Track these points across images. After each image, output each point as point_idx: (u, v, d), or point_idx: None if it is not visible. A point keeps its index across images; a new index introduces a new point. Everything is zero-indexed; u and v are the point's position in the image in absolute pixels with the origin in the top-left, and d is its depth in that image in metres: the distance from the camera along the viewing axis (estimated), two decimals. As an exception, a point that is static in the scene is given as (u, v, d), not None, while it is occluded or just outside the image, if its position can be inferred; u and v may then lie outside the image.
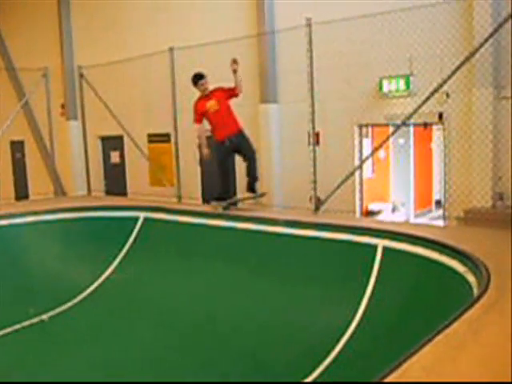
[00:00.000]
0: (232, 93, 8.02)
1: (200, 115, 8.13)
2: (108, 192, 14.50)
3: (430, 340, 2.94)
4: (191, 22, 12.65)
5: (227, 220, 7.95)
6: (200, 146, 8.40)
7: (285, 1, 11.10)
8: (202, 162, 12.81)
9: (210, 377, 5.51)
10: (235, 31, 11.21)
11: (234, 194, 8.72)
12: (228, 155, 8.27)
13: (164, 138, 13.31)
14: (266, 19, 11.39)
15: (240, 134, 8.08)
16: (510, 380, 2.49)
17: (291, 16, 9.96)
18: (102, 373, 5.74)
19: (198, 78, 8.06)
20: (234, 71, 7.76)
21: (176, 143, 10.56)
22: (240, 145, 8.06)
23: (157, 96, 12.46)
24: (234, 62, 7.70)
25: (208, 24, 12.29)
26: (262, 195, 8.57)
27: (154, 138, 13.99)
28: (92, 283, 8.28)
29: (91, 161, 12.91)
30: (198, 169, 13.05)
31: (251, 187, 8.25)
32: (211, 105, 8.02)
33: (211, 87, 8.14)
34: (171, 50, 10.23)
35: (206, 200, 11.67)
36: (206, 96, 8.08)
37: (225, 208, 8.21)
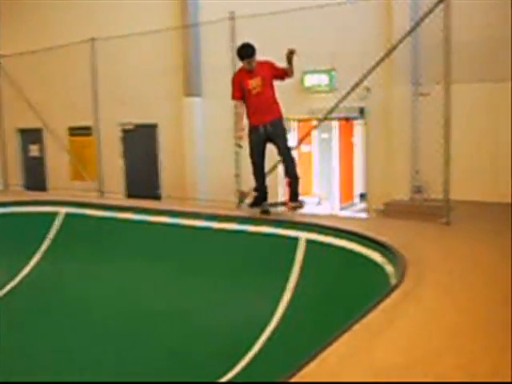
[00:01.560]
0: (281, 73, 6.74)
1: (239, 91, 6.72)
2: (27, 187, 13.96)
3: (347, 329, 2.98)
4: (115, 11, 12.32)
5: (151, 215, 7.83)
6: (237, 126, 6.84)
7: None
8: (125, 155, 12.58)
9: (134, 370, 5.46)
10: (159, 22, 11.00)
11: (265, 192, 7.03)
12: (260, 144, 6.75)
13: (86, 131, 12.91)
14: (190, 11, 11.27)
15: (278, 122, 6.74)
16: (425, 367, 2.56)
17: (216, 8, 9.89)
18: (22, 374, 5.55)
19: (249, 54, 6.60)
20: (289, 60, 6.56)
21: (98, 136, 10.28)
22: (275, 133, 6.67)
23: (79, 88, 12.08)
24: (291, 52, 6.50)
25: (132, 14, 12.01)
26: (300, 206, 6.97)
27: (75, 131, 13.56)
28: (7, 283, 7.94)
29: (9, 154, 12.38)
30: (121, 162, 12.78)
31: (293, 187, 6.94)
32: (255, 84, 6.63)
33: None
34: (92, 40, 9.94)
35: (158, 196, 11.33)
36: (249, 70, 6.64)
37: (263, 212, 6.98)
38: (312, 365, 2.60)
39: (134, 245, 7.72)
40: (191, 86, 11.37)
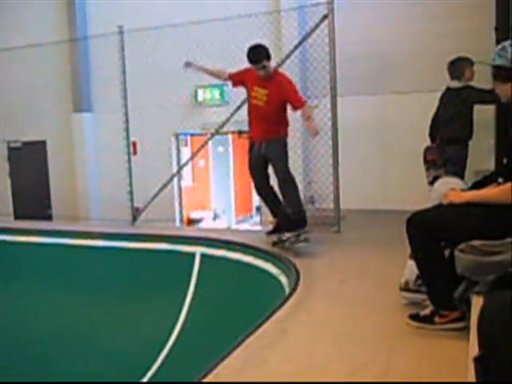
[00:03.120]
0: (293, 104, 5.50)
1: (238, 78, 5.84)
2: None
3: (240, 343, 2.98)
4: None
5: (37, 235, 7.51)
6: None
7: (98, 8, 10.79)
8: (11, 174, 11.95)
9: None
10: (45, 35, 10.59)
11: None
12: (257, 163, 5.76)
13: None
14: (78, 24, 10.96)
15: (274, 143, 5.60)
16: (314, 375, 2.60)
17: (106, 20, 9.69)
18: None
19: (254, 59, 5.54)
20: (308, 118, 5.37)
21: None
22: (269, 156, 5.65)
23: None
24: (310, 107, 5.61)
25: (16, 26, 11.48)
26: (303, 239, 5.50)
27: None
28: None
29: None
30: (8, 181, 12.15)
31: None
32: (260, 95, 5.60)
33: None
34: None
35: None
36: (262, 78, 5.57)
37: (276, 243, 5.58)
38: (205, 380, 2.60)
39: (25, 267, 7.38)
40: (81, 101, 11.03)
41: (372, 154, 8.50)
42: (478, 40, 6.51)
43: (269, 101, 5.53)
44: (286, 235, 5.42)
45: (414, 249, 3.18)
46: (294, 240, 5.38)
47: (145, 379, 5.24)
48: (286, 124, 5.73)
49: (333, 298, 4.01)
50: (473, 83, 6.17)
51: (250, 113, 5.81)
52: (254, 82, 5.60)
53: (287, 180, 5.51)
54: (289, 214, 5.43)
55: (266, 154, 5.64)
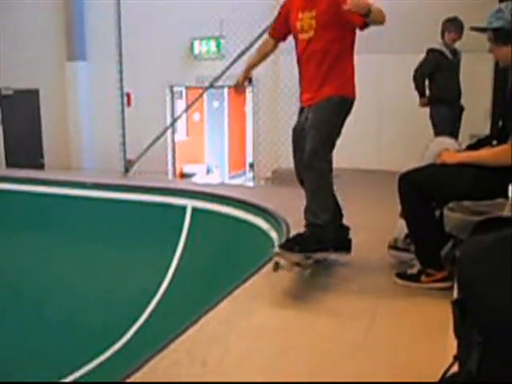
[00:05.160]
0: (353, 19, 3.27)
1: (281, 25, 3.79)
2: None
3: (228, 294, 3.01)
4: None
5: (32, 184, 7.46)
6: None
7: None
8: (3, 122, 11.82)
9: (28, 342, 5.34)
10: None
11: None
12: (299, 137, 3.62)
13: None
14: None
15: (325, 102, 3.44)
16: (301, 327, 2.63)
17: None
18: None
19: None
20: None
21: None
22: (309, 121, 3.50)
23: None
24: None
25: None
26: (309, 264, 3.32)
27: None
28: None
29: None
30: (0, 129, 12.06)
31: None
32: (306, 24, 3.52)
33: None
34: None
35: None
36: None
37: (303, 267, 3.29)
38: (194, 328, 2.66)
39: (16, 215, 7.37)
40: (75, 50, 10.84)
41: (367, 113, 8.42)
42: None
43: (317, 26, 3.43)
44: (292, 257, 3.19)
45: (405, 207, 3.19)
46: (304, 263, 3.21)
47: (133, 329, 5.29)
48: (349, 73, 3.55)
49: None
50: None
51: (298, 62, 3.66)
52: (298, 8, 3.55)
53: (314, 165, 3.30)
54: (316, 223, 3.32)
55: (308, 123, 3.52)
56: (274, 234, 4.77)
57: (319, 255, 3.37)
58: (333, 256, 3.61)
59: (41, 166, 11.11)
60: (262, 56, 3.96)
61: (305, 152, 3.35)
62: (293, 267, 3.19)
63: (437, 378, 1.36)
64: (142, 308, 5.47)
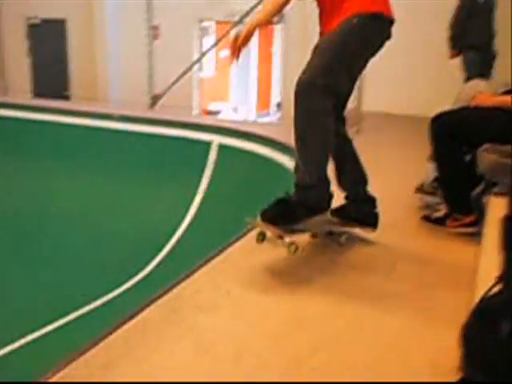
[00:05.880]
0: None
1: None
2: None
3: (245, 233, 3.01)
4: None
5: (58, 114, 7.48)
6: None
7: None
8: (30, 51, 11.76)
9: (44, 274, 5.35)
10: None
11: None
12: None
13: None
14: None
15: (336, 30, 2.56)
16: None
17: None
18: None
19: None
20: None
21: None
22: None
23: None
24: None
25: None
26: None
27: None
28: None
29: None
30: (28, 60, 12.00)
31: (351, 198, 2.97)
32: None
33: None
34: None
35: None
36: None
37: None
38: (219, 257, 2.73)
39: (42, 145, 7.43)
40: (103, -22, 10.64)
41: (400, 53, 8.19)
42: None
43: None
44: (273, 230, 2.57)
45: (436, 149, 3.13)
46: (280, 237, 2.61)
47: (155, 261, 5.35)
48: None
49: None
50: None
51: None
52: None
53: (305, 102, 2.46)
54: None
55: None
56: (299, 174, 4.74)
57: (307, 225, 2.62)
58: (356, 230, 2.95)
59: (67, 97, 11.11)
60: (279, 5, 2.72)
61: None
62: (276, 241, 2.62)
63: (462, 321, 1.35)
64: (163, 241, 5.53)
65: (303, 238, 2.79)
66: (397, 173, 4.62)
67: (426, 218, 3.29)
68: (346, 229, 2.92)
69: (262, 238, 2.69)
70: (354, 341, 1.99)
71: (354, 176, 2.94)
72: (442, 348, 1.88)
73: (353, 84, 2.66)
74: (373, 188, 3.98)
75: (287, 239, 2.56)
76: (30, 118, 7.74)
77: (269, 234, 2.65)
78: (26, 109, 7.90)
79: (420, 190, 3.68)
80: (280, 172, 5.12)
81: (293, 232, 2.55)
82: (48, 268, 5.52)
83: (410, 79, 8.31)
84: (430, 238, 3.10)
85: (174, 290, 2.33)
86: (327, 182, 2.69)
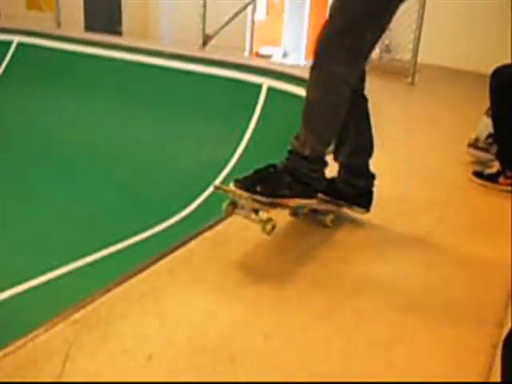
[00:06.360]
0: None
1: None
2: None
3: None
4: None
5: (110, 49, 7.49)
6: None
7: None
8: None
9: (90, 205, 5.41)
10: None
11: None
12: None
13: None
14: None
15: None
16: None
17: None
18: None
19: None
20: None
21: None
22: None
23: None
24: None
25: None
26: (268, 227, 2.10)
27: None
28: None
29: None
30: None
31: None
32: None
33: None
34: None
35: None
36: None
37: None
38: None
39: (92, 80, 7.49)
40: None
41: (461, 5, 7.87)
42: None
43: None
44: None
45: (494, 103, 3.04)
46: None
47: (201, 198, 5.36)
48: None
49: (398, 142, 3.97)
50: None
51: None
52: None
53: (322, 66, 2.16)
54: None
55: None
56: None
57: (292, 202, 2.17)
58: (344, 210, 2.48)
59: (119, 33, 11.10)
60: None
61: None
62: (250, 214, 2.10)
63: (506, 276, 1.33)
64: (209, 180, 5.54)
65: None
66: (449, 127, 4.51)
67: (478, 174, 3.22)
68: (334, 208, 2.44)
69: (231, 209, 2.14)
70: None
71: (358, 141, 2.41)
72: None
73: (376, 41, 2.18)
74: (423, 141, 3.93)
75: (264, 214, 2.07)
76: (82, 51, 7.77)
77: (241, 204, 2.11)
78: (78, 42, 7.92)
79: (473, 145, 3.59)
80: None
81: (272, 205, 2.04)
82: (95, 202, 5.61)
83: (469, 34, 7.97)
84: (479, 192, 3.05)
85: (220, 226, 2.36)
86: (324, 164, 2.26)
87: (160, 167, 6.04)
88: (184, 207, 5.13)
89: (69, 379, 1.44)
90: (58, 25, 9.52)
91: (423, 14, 6.11)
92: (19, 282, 3.80)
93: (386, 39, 7.95)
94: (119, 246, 4.45)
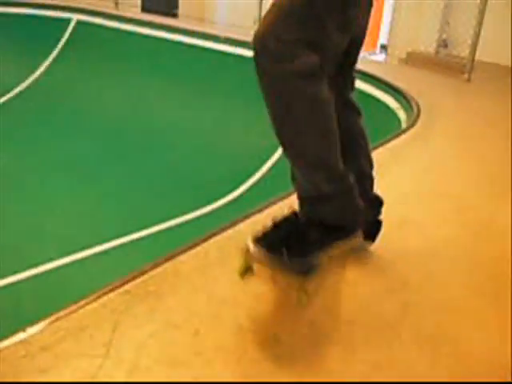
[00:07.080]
0: None
1: None
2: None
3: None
4: None
5: (167, 32, 7.57)
6: None
7: None
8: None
9: (135, 185, 5.50)
10: None
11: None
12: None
13: None
14: None
15: None
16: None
17: None
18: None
19: None
20: None
21: None
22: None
23: None
24: None
25: None
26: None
27: None
28: (18, 84, 7.87)
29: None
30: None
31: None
32: None
33: None
34: None
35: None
36: None
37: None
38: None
39: (146, 60, 7.59)
40: None
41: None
42: None
43: None
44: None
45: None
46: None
47: (249, 183, 5.36)
48: None
49: (451, 137, 3.91)
50: None
51: None
52: None
53: (260, 65, 1.55)
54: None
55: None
56: (402, 115, 4.62)
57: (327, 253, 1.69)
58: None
59: (175, 15, 11.16)
60: None
61: None
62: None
63: None
64: (257, 165, 5.54)
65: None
66: (507, 125, 4.39)
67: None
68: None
69: (246, 270, 1.70)
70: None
71: (358, 164, 1.91)
72: None
73: (346, 31, 1.61)
74: (476, 142, 3.83)
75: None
76: (138, 31, 7.87)
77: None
78: (135, 22, 8.02)
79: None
80: (382, 110, 5.01)
81: (306, 270, 1.62)
82: (139, 178, 5.70)
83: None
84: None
85: (269, 209, 2.37)
86: (348, 186, 1.73)
87: (210, 150, 6.04)
88: (230, 192, 5.17)
89: (117, 348, 1.49)
90: (116, 4, 9.64)
91: (484, 9, 5.94)
92: (69, 253, 3.93)
93: (443, 34, 7.79)
94: (170, 223, 4.51)
